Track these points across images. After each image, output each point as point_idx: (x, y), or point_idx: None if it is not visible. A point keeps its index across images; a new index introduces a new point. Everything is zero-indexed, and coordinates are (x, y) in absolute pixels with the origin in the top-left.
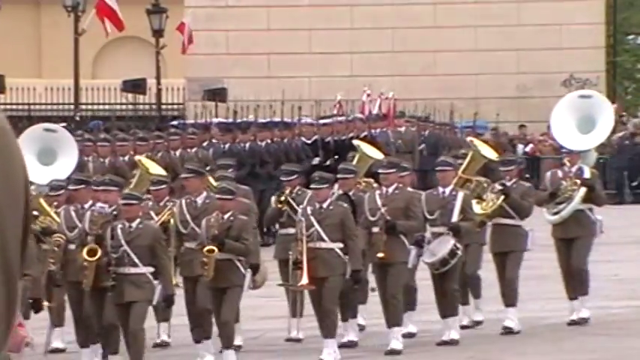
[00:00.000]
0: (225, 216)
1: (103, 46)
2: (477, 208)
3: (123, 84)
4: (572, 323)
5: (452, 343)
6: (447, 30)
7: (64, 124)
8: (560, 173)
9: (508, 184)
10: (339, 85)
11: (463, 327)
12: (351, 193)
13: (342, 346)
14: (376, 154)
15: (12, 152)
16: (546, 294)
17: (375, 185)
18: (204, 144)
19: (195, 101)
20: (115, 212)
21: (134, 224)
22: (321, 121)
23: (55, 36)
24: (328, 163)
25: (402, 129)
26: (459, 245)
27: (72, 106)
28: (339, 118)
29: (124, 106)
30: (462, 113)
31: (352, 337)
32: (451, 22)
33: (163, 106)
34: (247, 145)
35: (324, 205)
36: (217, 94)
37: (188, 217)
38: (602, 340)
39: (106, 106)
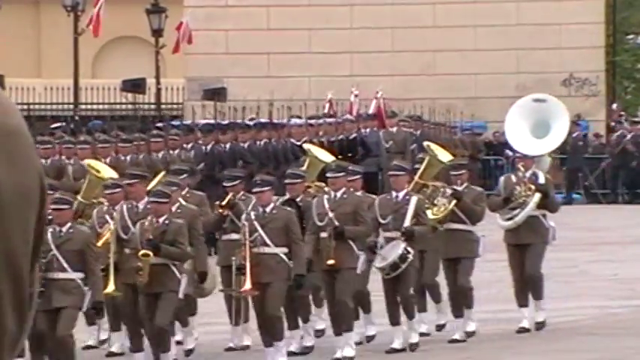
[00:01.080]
0: (160, 220)
1: (102, 46)
2: (428, 213)
3: (122, 84)
4: (522, 331)
5: (409, 348)
6: (447, 30)
7: (62, 124)
8: (513, 178)
9: (459, 188)
10: (339, 85)
11: (422, 334)
12: (298, 199)
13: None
14: (327, 158)
15: (27, 155)
16: (545, 294)
17: (327, 189)
18: (189, 146)
19: (194, 101)
20: (50, 217)
21: (64, 229)
22: (309, 122)
23: (54, 36)
24: None
25: (394, 129)
26: (410, 249)
27: (71, 106)
28: (328, 120)
29: (123, 106)
30: (461, 113)
31: (293, 348)
32: (450, 21)
33: (163, 106)
34: (227, 146)
35: (268, 210)
36: (217, 94)
37: (129, 222)
38: (601, 339)
39: (106, 106)
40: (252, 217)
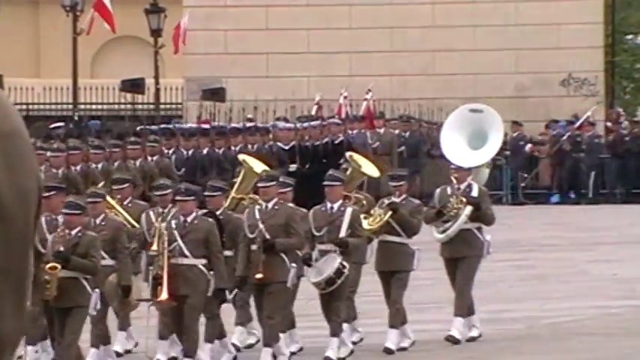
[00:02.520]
0: (73, 232)
1: (101, 46)
2: (364, 223)
3: (121, 84)
4: (451, 339)
5: None
6: (446, 30)
7: (61, 124)
8: (448, 190)
9: (397, 199)
10: (337, 85)
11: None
12: (219, 212)
13: None
14: (261, 169)
15: (25, 157)
16: (545, 293)
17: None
18: (170, 151)
19: (193, 101)
20: None
21: None
22: (295, 126)
23: (53, 36)
24: (307, 169)
25: (381, 130)
26: (345, 264)
27: (70, 106)
28: (313, 123)
29: (122, 106)
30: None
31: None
32: (449, 22)
33: (162, 106)
34: (205, 151)
35: (189, 220)
36: (216, 94)
37: (48, 235)
38: (600, 339)
39: (105, 106)
40: (173, 226)
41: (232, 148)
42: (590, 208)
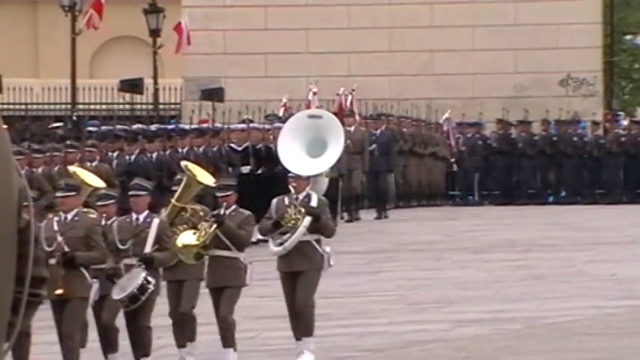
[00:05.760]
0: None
1: (100, 46)
2: (192, 238)
3: (120, 84)
4: None
5: None
6: (444, 30)
7: (60, 124)
8: (286, 200)
9: (225, 211)
10: (336, 85)
11: None
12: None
13: None
14: (96, 182)
15: (9, 154)
16: (543, 293)
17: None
18: (114, 154)
19: (192, 101)
20: None
21: None
22: (254, 126)
23: (52, 35)
24: (260, 172)
25: (352, 128)
26: (150, 279)
27: (69, 106)
28: (277, 124)
29: (121, 106)
30: (460, 113)
31: None
32: (448, 21)
33: (161, 106)
34: (154, 155)
35: None
36: (214, 94)
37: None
38: (599, 339)
39: (103, 106)
40: None
41: (180, 150)
42: (590, 208)
